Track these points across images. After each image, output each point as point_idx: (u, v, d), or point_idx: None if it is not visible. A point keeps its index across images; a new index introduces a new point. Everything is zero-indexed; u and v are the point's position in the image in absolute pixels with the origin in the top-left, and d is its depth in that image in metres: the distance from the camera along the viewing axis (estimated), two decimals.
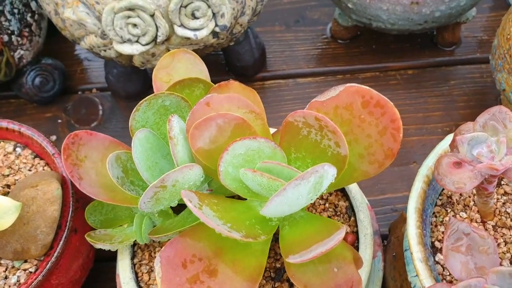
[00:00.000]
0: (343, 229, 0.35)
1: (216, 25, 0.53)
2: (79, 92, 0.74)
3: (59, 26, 0.56)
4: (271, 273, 0.46)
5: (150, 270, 0.47)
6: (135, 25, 0.51)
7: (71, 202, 0.46)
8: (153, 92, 0.43)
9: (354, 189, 0.48)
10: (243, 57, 0.68)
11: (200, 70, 0.49)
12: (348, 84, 0.37)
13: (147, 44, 0.52)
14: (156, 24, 0.50)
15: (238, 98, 0.42)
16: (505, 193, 0.42)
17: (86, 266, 0.50)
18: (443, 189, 0.42)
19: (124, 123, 0.71)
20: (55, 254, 0.43)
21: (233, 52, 0.68)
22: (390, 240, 0.50)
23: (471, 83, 0.70)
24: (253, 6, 0.56)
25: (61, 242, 0.44)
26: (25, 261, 0.44)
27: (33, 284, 0.42)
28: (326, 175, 0.35)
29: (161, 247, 0.48)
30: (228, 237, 0.39)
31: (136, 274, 0.47)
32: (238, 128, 0.40)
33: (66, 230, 0.45)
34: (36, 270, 0.44)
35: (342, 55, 0.74)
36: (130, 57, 0.56)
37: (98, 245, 0.43)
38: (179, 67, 0.49)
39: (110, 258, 0.60)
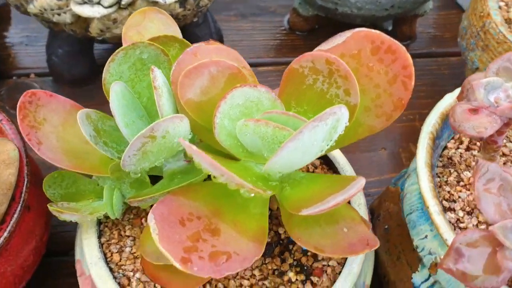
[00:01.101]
0: (362, 178, 0.32)
1: None
2: (14, 77, 0.66)
3: None
4: None
5: (121, 250, 0.41)
6: None
7: (25, 172, 0.39)
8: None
9: (341, 161, 0.46)
10: (202, 40, 0.64)
11: (174, 32, 0.44)
12: (357, 29, 0.35)
13: (110, 7, 0.47)
14: None
15: (228, 51, 0.38)
16: (504, 155, 0.41)
17: (39, 251, 0.43)
18: (443, 150, 0.41)
19: None
20: (8, 229, 0.36)
21: (192, 36, 0.64)
22: (379, 214, 0.47)
23: (430, 75, 0.70)
24: None
25: (15, 215, 0.37)
26: None
27: None
28: (343, 118, 0.32)
29: (132, 226, 0.42)
30: (225, 198, 0.35)
31: (104, 255, 0.40)
32: (232, 79, 0.36)
33: (21, 202, 0.38)
34: None
35: (301, 46, 0.72)
36: (86, 24, 0.50)
37: (65, 215, 0.36)
38: (151, 27, 0.44)
39: (61, 252, 0.53)
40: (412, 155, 0.64)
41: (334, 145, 0.34)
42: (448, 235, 0.33)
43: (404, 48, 0.34)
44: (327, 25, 0.73)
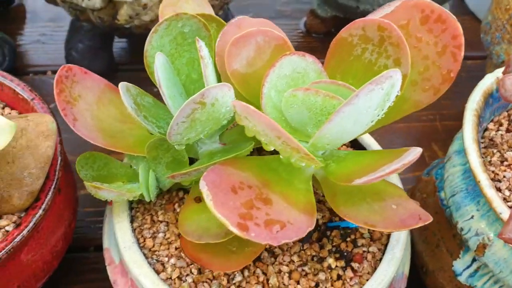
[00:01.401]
0: (417, 148, 0.31)
1: None
2: (30, 74, 0.65)
3: None
4: None
5: (154, 236, 0.39)
6: None
7: (59, 150, 0.38)
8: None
9: (376, 147, 0.45)
10: None
11: (209, 13, 0.44)
12: None
13: None
14: None
15: (271, 24, 0.38)
16: None
17: (68, 238, 0.41)
18: (485, 131, 0.40)
19: None
20: (43, 207, 0.35)
21: None
22: None
23: None
24: None
25: (49, 193, 0.35)
26: None
27: (15, 241, 0.33)
28: (397, 84, 0.31)
29: (165, 211, 0.41)
30: (270, 172, 0.34)
31: (137, 240, 0.39)
32: (278, 51, 0.35)
33: (55, 179, 0.36)
34: (16, 227, 0.34)
35: (318, 48, 0.72)
36: (115, 11, 0.49)
37: (102, 192, 0.35)
38: (186, 8, 0.43)
39: (81, 249, 0.51)
40: (434, 153, 0.63)
41: (381, 118, 0.33)
42: (502, 208, 0.32)
43: (454, 17, 0.34)
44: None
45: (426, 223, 0.32)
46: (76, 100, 0.38)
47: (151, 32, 0.36)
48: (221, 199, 0.29)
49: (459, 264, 0.41)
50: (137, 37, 0.61)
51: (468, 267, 0.40)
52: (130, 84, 0.37)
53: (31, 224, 0.34)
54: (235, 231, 0.27)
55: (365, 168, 0.32)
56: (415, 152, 0.30)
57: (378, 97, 0.30)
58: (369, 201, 0.34)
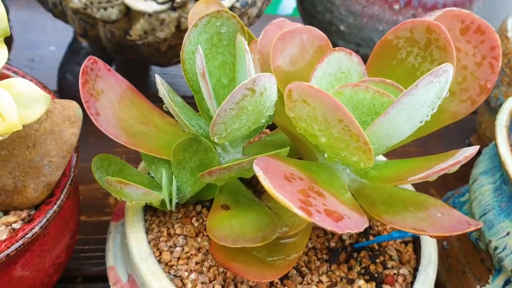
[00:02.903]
0: (475, 147, 0.30)
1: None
2: None
3: None
4: (324, 255, 0.38)
5: (171, 250, 0.36)
6: None
7: (75, 147, 0.35)
8: None
9: None
10: None
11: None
12: (447, 8, 0.35)
13: (163, 3, 0.45)
14: None
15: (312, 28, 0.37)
16: None
17: (70, 252, 0.36)
18: None
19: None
20: (58, 202, 0.31)
21: None
22: None
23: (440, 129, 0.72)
24: (263, 1, 0.53)
25: (65, 188, 0.32)
26: (6, 214, 0.31)
27: (26, 236, 0.29)
28: (449, 80, 0.30)
29: (182, 224, 0.37)
30: (313, 172, 0.32)
31: (152, 253, 0.35)
32: (320, 51, 0.35)
33: (70, 176, 0.33)
34: (27, 223, 0.30)
35: None
36: (128, 26, 0.48)
37: (129, 188, 0.31)
38: None
39: (67, 279, 0.46)
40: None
41: (420, 127, 0.33)
42: None
43: (492, 28, 0.34)
44: None
45: (478, 227, 0.31)
46: (99, 94, 0.35)
47: (190, 26, 0.34)
48: (279, 183, 0.26)
49: None
50: (139, 61, 0.59)
51: None
52: (164, 81, 0.35)
53: (44, 220, 0.30)
54: (300, 213, 0.25)
55: (415, 170, 0.31)
56: (472, 148, 0.29)
57: (435, 90, 0.30)
58: (412, 210, 0.33)
